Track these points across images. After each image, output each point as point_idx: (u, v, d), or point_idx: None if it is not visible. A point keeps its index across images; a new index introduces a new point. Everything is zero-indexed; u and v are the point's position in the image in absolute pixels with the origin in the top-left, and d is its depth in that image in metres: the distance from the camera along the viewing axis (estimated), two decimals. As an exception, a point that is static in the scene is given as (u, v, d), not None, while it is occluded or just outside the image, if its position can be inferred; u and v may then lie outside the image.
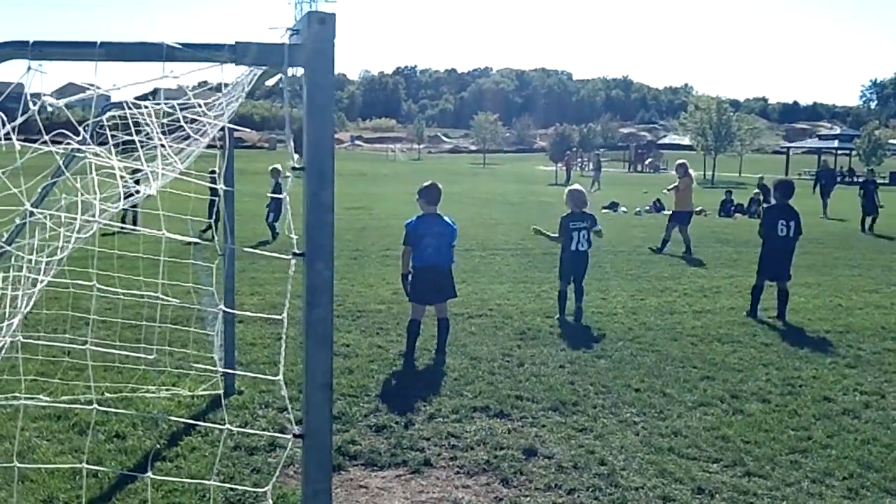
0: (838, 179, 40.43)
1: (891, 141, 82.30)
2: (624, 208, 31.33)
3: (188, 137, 4.57)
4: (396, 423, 6.84)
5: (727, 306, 12.26)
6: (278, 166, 19.90)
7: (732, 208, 29.84)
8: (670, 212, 19.89)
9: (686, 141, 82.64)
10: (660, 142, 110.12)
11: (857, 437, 6.78)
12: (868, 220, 25.12)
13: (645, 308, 12.02)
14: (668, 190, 20.82)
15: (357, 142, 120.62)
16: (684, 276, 15.29)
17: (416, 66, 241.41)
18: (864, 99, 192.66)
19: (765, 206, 23.89)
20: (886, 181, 67.15)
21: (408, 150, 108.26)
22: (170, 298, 5.30)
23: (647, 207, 31.77)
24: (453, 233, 9.04)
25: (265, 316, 9.41)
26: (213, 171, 21.50)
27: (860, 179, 29.96)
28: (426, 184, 9.16)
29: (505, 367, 8.60)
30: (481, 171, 74.20)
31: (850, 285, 14.52)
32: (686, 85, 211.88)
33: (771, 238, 11.70)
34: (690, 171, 19.76)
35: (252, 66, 3.36)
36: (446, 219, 9.03)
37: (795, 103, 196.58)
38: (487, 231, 21.77)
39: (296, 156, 2.48)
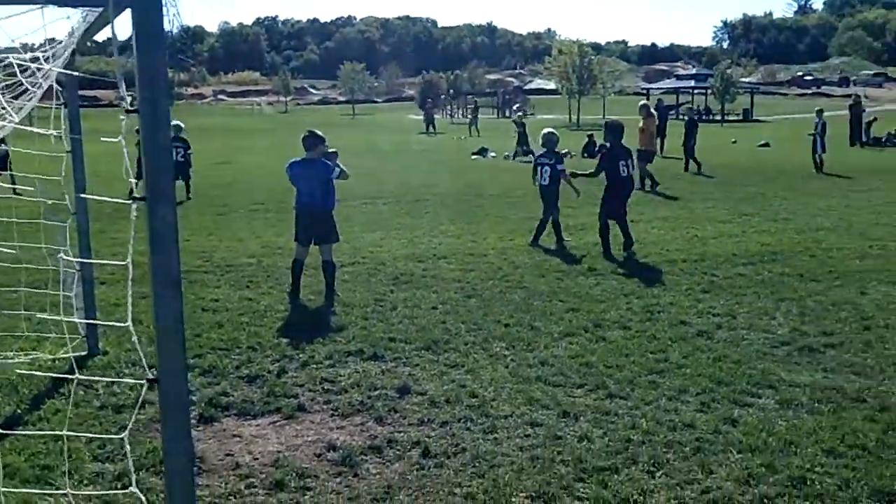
0: (671, 115, 40.85)
1: (742, 79, 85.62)
2: (493, 153, 31.70)
3: (25, 91, 4.38)
4: (269, 372, 6.84)
5: (591, 242, 12.67)
6: (179, 122, 19.07)
7: (595, 149, 30.60)
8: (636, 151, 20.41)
9: (551, 85, 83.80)
10: (526, 87, 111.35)
11: (709, 356, 7.20)
12: (692, 162, 23.48)
13: (514, 248, 12.31)
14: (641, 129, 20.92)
15: (220, 96, 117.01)
16: (551, 215, 15.66)
17: (276, 17, 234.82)
18: (716, 39, 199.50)
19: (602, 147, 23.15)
20: (740, 117, 70.45)
21: (274, 102, 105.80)
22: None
23: (516, 151, 32.24)
24: (326, 170, 9.32)
25: (112, 263, 9.12)
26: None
27: (684, 118, 27.26)
28: (304, 133, 9.67)
29: (378, 312, 8.68)
30: (351, 122, 73.45)
31: (705, 217, 15.24)
32: (549, 30, 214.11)
33: (615, 180, 11.96)
34: (652, 111, 20.50)
35: (75, 7, 3.23)
36: (321, 160, 9.40)
37: (654, 45, 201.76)
38: (359, 181, 21.56)
39: (129, 98, 2.42)
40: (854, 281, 10.02)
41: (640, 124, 20.80)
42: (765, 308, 8.83)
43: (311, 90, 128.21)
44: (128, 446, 3.39)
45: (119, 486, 4.73)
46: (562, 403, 6.10)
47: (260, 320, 8.39)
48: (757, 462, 5.13)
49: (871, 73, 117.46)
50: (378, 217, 15.63)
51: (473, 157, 30.86)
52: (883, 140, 36.68)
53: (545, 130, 13.54)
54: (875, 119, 38.76)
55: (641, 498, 4.70)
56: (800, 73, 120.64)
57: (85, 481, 4.87)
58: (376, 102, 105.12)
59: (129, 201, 2.56)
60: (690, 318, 8.45)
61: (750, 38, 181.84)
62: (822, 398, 6.21)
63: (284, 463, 5.14)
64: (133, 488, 2.95)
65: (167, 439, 2.60)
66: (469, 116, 53.22)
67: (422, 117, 64.73)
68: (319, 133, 9.57)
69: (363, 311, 8.73)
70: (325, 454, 5.30)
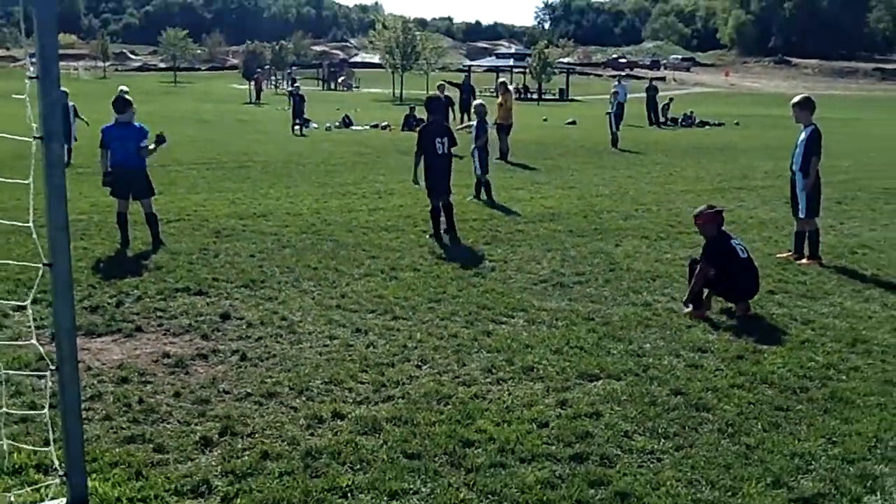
0: (477, 93, 42.65)
1: (560, 60, 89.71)
2: (315, 125, 32.78)
3: None
4: (108, 304, 7.97)
5: (398, 204, 14.25)
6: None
7: (414, 122, 32.30)
8: (495, 125, 21.46)
9: (377, 59, 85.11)
10: (351, 60, 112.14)
11: (479, 289, 8.88)
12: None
13: (328, 208, 13.70)
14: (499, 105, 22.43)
15: (34, 59, 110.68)
16: (365, 182, 17.16)
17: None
18: (538, 20, 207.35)
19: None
20: (556, 97, 74.40)
21: (91, 68, 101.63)
22: None
23: (337, 123, 33.52)
24: (139, 134, 10.51)
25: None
26: None
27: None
28: (114, 97, 10.82)
29: (202, 258, 9.89)
30: (173, 89, 72.11)
31: (501, 185, 17.04)
32: (376, 3, 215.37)
33: (432, 157, 11.52)
34: (510, 87, 22.33)
35: None
36: (136, 124, 10.63)
37: (478, 23, 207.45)
38: (182, 148, 22.32)
39: (31, 67, 3.62)
40: (613, 236, 12.03)
41: (499, 100, 22.56)
42: (533, 255, 10.64)
43: (131, 56, 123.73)
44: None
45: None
46: (356, 323, 7.60)
47: (96, 264, 9.44)
48: (500, 358, 6.80)
49: (681, 57, 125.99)
50: (202, 181, 16.62)
51: (296, 126, 31.81)
52: (679, 120, 40.50)
53: (476, 103, 16.74)
54: (671, 100, 42.56)
55: (409, 381, 6.26)
56: (614, 56, 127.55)
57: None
58: (198, 70, 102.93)
59: (31, 139, 3.79)
60: (470, 262, 10.13)
61: (570, 19, 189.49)
62: (560, 317, 7.98)
63: (128, 366, 6.37)
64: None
65: (58, 311, 3.84)
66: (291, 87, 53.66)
67: (246, 87, 64.55)
68: (129, 97, 10.71)
69: (189, 257, 9.91)
70: (161, 360, 6.56)
